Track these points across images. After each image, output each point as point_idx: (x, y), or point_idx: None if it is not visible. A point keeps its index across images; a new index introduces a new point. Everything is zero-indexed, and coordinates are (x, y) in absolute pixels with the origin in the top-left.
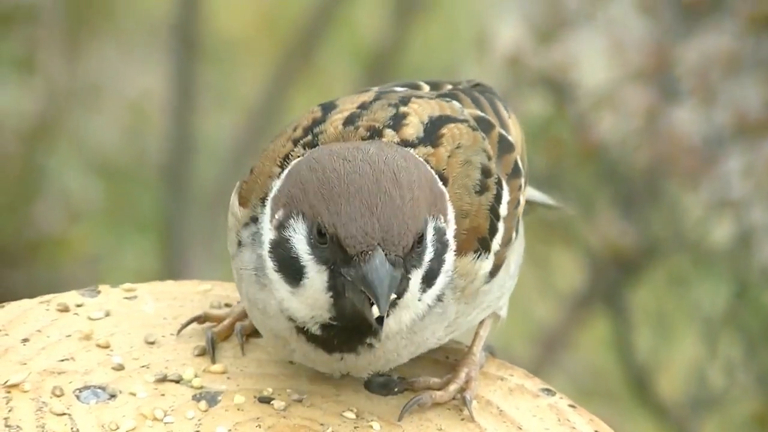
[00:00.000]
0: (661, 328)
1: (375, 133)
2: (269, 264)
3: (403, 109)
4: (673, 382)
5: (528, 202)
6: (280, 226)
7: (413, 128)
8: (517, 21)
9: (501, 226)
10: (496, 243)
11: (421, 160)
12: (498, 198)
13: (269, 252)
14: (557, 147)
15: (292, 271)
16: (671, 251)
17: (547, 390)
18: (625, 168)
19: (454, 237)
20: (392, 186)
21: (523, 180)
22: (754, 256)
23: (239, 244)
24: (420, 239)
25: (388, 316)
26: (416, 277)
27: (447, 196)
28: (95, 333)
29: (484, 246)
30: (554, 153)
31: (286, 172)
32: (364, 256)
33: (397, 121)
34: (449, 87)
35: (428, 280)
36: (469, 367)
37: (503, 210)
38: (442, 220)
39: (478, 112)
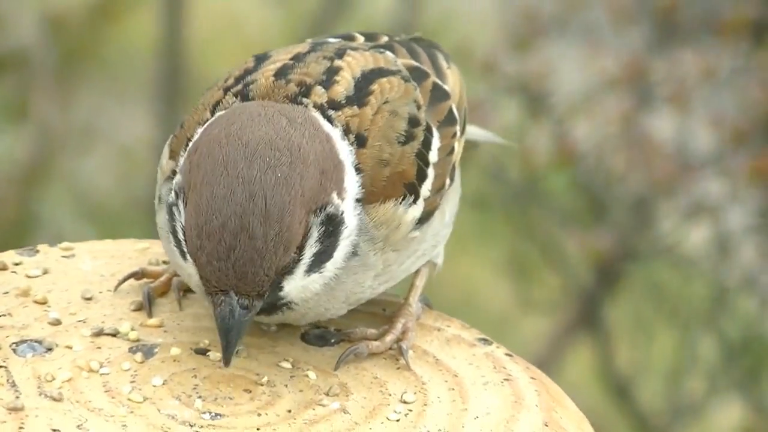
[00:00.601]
0: (640, 337)
1: (305, 90)
2: (167, 228)
3: (337, 62)
4: (654, 391)
5: (472, 142)
6: (173, 204)
7: (343, 86)
8: (493, 29)
9: (431, 171)
10: (425, 188)
11: (324, 130)
12: (426, 144)
13: (166, 216)
14: (533, 155)
15: (179, 249)
16: (649, 257)
17: (484, 339)
18: (601, 174)
19: (370, 188)
20: (258, 220)
21: (458, 128)
22: (732, 261)
23: (159, 199)
24: (284, 268)
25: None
26: (292, 278)
27: (345, 164)
28: (32, 289)
29: (411, 191)
30: (530, 161)
31: (200, 132)
32: (217, 298)
33: (329, 77)
34: (385, 39)
35: (321, 261)
36: (405, 317)
37: (433, 156)
38: (336, 198)
39: (413, 62)
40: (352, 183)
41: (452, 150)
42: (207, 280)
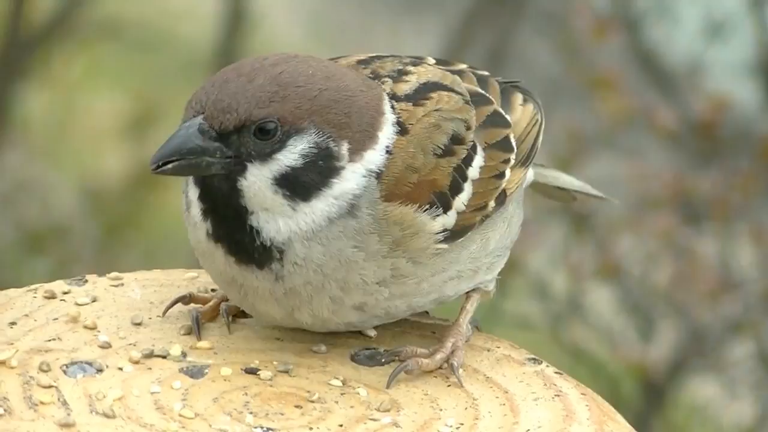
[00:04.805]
0: None
1: (376, 77)
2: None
3: (409, 68)
4: None
5: (564, 189)
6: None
7: (408, 85)
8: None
9: (467, 186)
10: (459, 202)
11: (378, 90)
12: (467, 161)
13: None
14: (578, 271)
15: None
16: (694, 370)
17: (534, 359)
18: (645, 288)
19: (394, 189)
20: (260, 75)
21: (513, 156)
22: None
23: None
24: (261, 130)
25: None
26: (260, 169)
27: (380, 133)
28: (82, 316)
29: (442, 201)
30: (575, 276)
31: None
32: (186, 121)
33: (399, 75)
34: (463, 67)
35: (292, 186)
36: (455, 337)
37: (473, 173)
38: (333, 142)
39: (477, 89)
40: (376, 153)
41: (501, 174)
42: (190, 102)
